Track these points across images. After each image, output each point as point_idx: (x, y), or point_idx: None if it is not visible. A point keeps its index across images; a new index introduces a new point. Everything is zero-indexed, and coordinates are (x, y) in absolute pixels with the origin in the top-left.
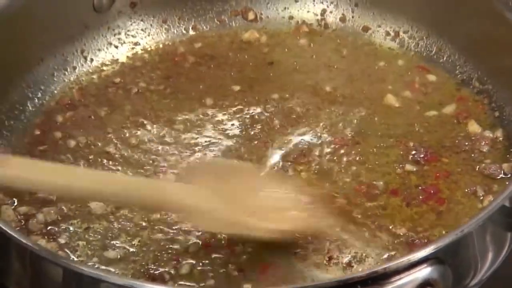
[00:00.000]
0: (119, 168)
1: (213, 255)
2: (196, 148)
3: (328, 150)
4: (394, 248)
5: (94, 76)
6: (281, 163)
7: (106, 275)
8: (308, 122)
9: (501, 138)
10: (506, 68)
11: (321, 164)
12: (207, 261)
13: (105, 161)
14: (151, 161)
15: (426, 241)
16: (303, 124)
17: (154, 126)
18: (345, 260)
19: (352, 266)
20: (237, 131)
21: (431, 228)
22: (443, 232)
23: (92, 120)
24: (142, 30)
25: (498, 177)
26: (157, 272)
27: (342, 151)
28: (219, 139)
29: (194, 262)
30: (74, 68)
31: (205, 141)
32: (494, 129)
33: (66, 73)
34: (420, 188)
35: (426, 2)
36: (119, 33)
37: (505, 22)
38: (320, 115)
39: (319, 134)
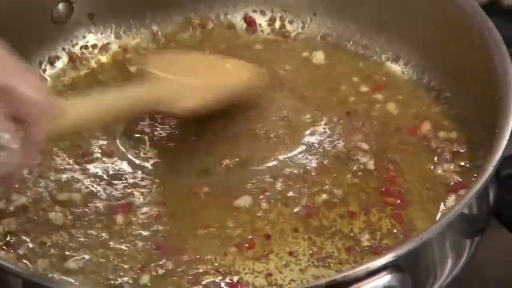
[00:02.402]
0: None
1: (172, 266)
2: None
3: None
4: (354, 256)
5: (52, 86)
6: None
7: (65, 286)
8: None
9: (458, 146)
10: (464, 72)
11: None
12: (167, 271)
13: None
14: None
15: (385, 248)
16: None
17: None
18: (304, 265)
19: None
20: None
21: (390, 235)
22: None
23: None
24: (101, 40)
25: (454, 183)
26: (117, 282)
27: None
28: None
29: (153, 272)
30: None
31: None
32: (450, 134)
33: None
34: (378, 194)
35: (385, 10)
36: (77, 44)
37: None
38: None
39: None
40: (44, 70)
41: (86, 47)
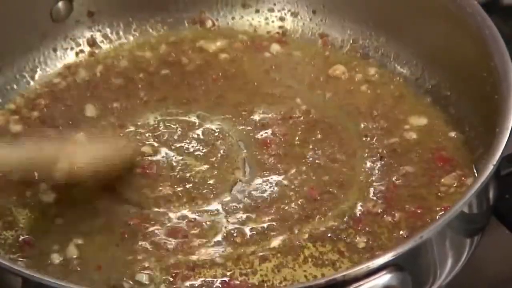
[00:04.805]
0: None
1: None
2: None
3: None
4: (352, 256)
5: (52, 85)
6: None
7: (66, 285)
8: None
9: (457, 144)
10: (464, 71)
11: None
12: (165, 269)
13: None
14: None
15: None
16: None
17: None
18: (302, 264)
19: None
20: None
21: (390, 238)
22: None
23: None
24: (99, 38)
25: (454, 185)
26: (118, 282)
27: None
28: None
29: (152, 272)
30: (32, 77)
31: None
32: (449, 133)
33: (24, 81)
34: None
35: (385, 9)
36: (77, 42)
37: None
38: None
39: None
40: (44, 67)
41: (85, 44)
